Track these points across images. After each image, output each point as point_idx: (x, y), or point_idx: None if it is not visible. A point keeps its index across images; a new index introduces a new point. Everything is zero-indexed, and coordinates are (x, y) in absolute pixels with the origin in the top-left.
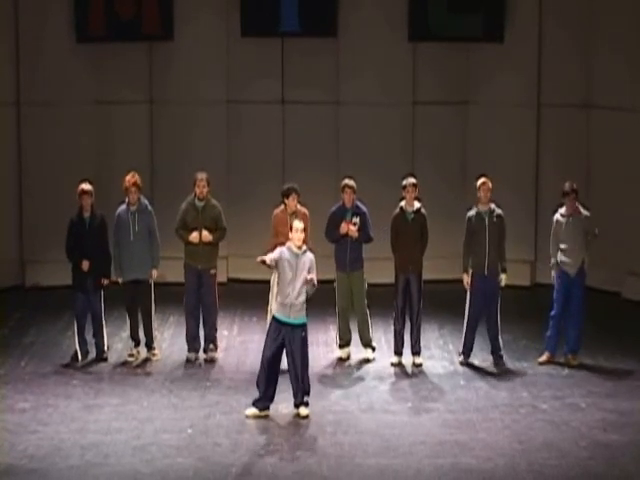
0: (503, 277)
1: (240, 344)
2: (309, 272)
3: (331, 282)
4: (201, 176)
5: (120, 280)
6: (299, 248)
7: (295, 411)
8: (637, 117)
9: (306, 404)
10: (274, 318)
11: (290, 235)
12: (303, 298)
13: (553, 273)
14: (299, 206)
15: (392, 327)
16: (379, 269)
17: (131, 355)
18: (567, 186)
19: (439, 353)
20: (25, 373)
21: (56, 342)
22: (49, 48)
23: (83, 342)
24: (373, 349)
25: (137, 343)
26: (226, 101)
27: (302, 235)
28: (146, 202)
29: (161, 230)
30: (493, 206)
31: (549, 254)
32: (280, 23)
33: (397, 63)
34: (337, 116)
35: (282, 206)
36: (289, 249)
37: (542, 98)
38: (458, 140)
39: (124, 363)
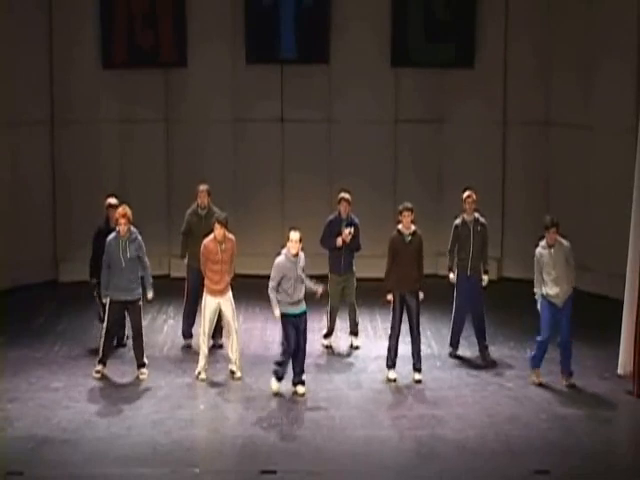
0: (485, 278)
1: (245, 331)
2: (316, 285)
3: (323, 277)
4: (202, 187)
5: (106, 300)
6: (295, 256)
7: (293, 389)
8: (591, 134)
9: (303, 383)
10: (286, 316)
11: (287, 244)
12: (303, 293)
13: (539, 305)
14: (227, 234)
15: (384, 327)
16: (368, 265)
17: (98, 372)
18: (548, 220)
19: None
20: (58, 356)
21: (85, 329)
22: (79, 73)
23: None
24: (356, 335)
25: (104, 364)
26: (232, 120)
27: (297, 245)
28: (136, 232)
29: (174, 234)
30: (477, 215)
31: (514, 251)
32: (280, 51)
33: (381, 86)
34: (329, 132)
35: (211, 236)
36: (286, 259)
37: (507, 117)
38: (434, 153)
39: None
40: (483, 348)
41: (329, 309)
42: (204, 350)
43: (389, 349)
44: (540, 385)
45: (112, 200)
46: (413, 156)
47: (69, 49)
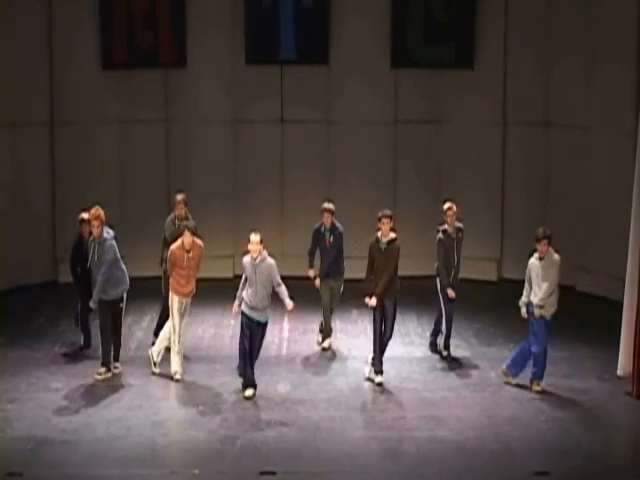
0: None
1: (238, 333)
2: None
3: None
4: (179, 198)
5: (93, 304)
6: (254, 259)
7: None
8: (590, 134)
9: (250, 386)
10: (243, 314)
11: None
12: (265, 302)
13: (523, 311)
14: (195, 239)
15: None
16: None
17: (100, 374)
18: (540, 232)
19: (418, 340)
20: (57, 357)
21: (79, 330)
22: (78, 74)
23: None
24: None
25: (108, 367)
26: (232, 120)
27: (257, 247)
28: (108, 235)
29: None
30: (457, 224)
31: (513, 252)
32: (279, 52)
33: (381, 87)
34: (329, 133)
35: (179, 242)
36: (249, 260)
37: (507, 117)
38: (434, 154)
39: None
40: (435, 340)
41: (322, 309)
42: (178, 349)
43: (374, 355)
44: (542, 391)
45: (85, 215)
46: (412, 157)
47: (69, 50)
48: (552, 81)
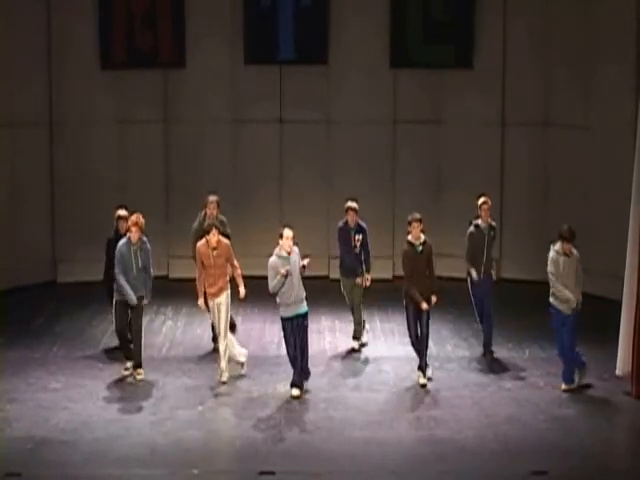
0: (493, 273)
1: (244, 331)
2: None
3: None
4: (212, 199)
5: (115, 300)
6: (289, 254)
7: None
8: (590, 134)
9: (297, 385)
10: (285, 319)
11: (280, 242)
12: (302, 292)
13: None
14: (221, 238)
15: (383, 329)
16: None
17: (127, 369)
18: (567, 232)
19: None
20: (57, 357)
21: (84, 330)
22: (77, 74)
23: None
24: (358, 339)
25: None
26: (231, 120)
27: (291, 242)
28: (145, 240)
29: (172, 235)
30: (490, 221)
31: (512, 252)
32: (278, 52)
33: (380, 87)
34: (328, 133)
35: (204, 240)
36: (279, 256)
37: (506, 117)
38: (433, 154)
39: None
40: (489, 352)
41: (353, 310)
42: (223, 349)
43: (418, 356)
44: (569, 390)
45: (122, 212)
46: (412, 157)
47: (68, 50)
48: (552, 81)
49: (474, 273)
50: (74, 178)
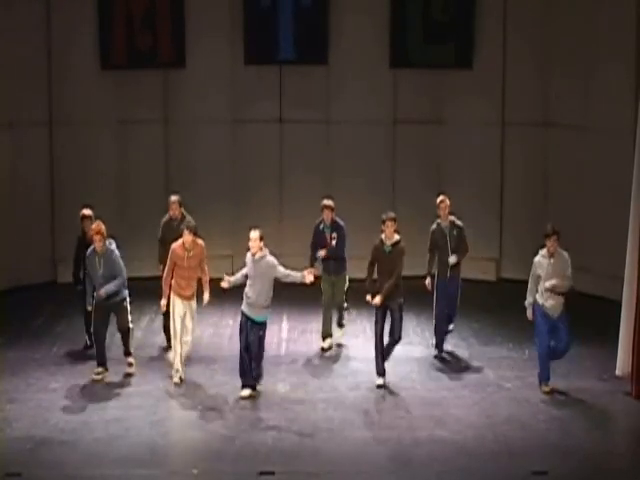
0: (453, 257)
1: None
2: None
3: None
4: (173, 199)
5: (90, 308)
6: (254, 255)
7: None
8: (589, 135)
9: (249, 386)
10: (241, 313)
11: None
12: (263, 300)
13: (529, 313)
14: (196, 239)
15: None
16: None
17: (98, 374)
18: (549, 228)
19: (417, 339)
20: (56, 357)
21: (83, 331)
22: (77, 75)
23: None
24: (342, 326)
25: (105, 367)
26: (231, 120)
27: (256, 243)
28: (112, 247)
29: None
30: (453, 219)
31: (512, 252)
32: (278, 52)
33: (380, 87)
34: (328, 133)
35: (180, 241)
36: (250, 256)
37: (506, 117)
38: (433, 154)
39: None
40: (441, 339)
41: (323, 305)
42: (176, 350)
43: (375, 356)
44: (551, 392)
45: (86, 211)
46: (412, 157)
47: (68, 50)
48: (551, 81)
49: (428, 280)
50: (74, 178)
